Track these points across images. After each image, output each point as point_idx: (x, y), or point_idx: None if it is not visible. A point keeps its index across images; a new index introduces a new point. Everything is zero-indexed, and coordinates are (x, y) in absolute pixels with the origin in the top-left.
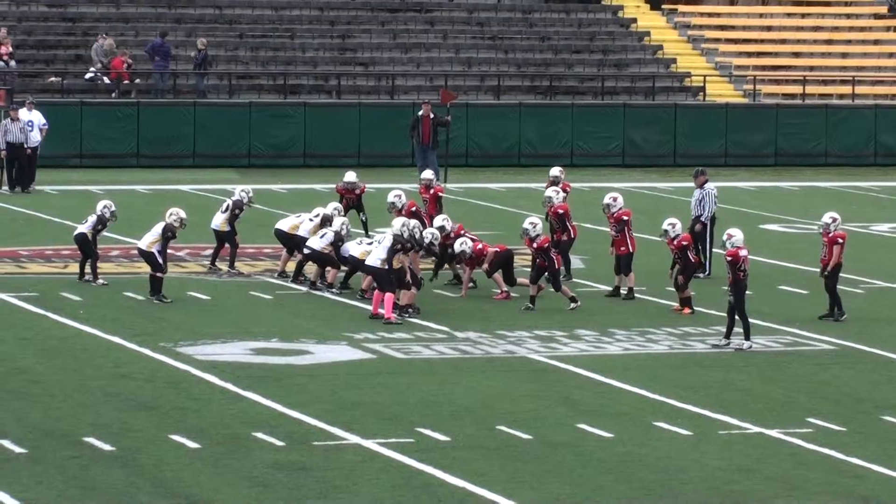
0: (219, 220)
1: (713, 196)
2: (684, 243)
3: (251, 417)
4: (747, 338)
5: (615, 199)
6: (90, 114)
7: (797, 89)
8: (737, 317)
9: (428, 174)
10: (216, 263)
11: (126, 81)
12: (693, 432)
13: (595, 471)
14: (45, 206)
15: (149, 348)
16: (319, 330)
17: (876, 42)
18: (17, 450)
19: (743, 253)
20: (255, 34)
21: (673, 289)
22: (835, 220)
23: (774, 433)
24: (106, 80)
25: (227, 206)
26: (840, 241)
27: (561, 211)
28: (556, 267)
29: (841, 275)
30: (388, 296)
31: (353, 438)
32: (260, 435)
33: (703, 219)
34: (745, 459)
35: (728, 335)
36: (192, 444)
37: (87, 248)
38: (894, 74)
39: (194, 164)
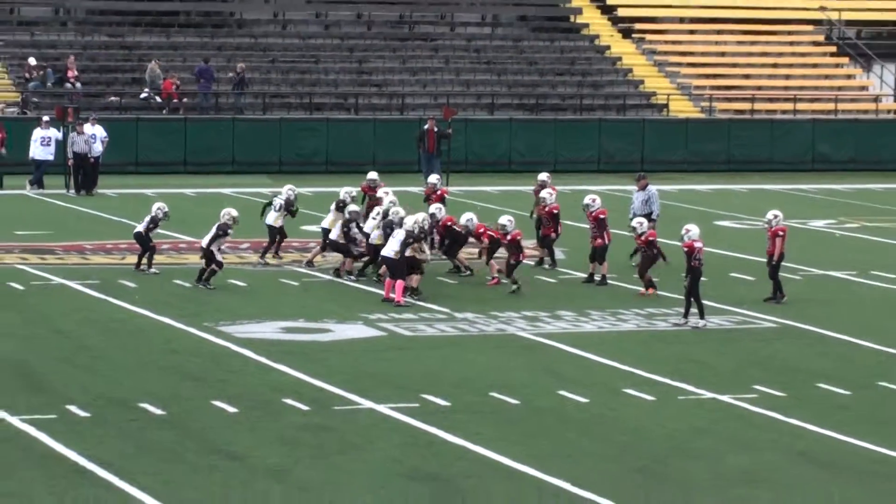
0: (271, 218)
1: (656, 196)
2: (651, 238)
3: (281, 386)
4: (702, 317)
5: (594, 200)
6: (144, 128)
7: (747, 106)
8: (692, 299)
9: (433, 178)
10: (265, 257)
11: (175, 100)
12: (656, 398)
13: (574, 431)
14: (106, 207)
15: (194, 327)
16: (339, 311)
17: (815, 66)
18: (83, 414)
19: (698, 245)
20: (286, 60)
21: (637, 276)
22: (776, 216)
23: (726, 398)
24: (158, 99)
25: (280, 205)
26: (781, 233)
27: (556, 210)
28: (521, 259)
29: (783, 263)
30: (399, 282)
31: (368, 403)
32: (289, 401)
33: (653, 216)
34: (700, 421)
35: (686, 315)
36: (231, 409)
37: (144, 243)
38: (830, 93)
39: (233, 170)
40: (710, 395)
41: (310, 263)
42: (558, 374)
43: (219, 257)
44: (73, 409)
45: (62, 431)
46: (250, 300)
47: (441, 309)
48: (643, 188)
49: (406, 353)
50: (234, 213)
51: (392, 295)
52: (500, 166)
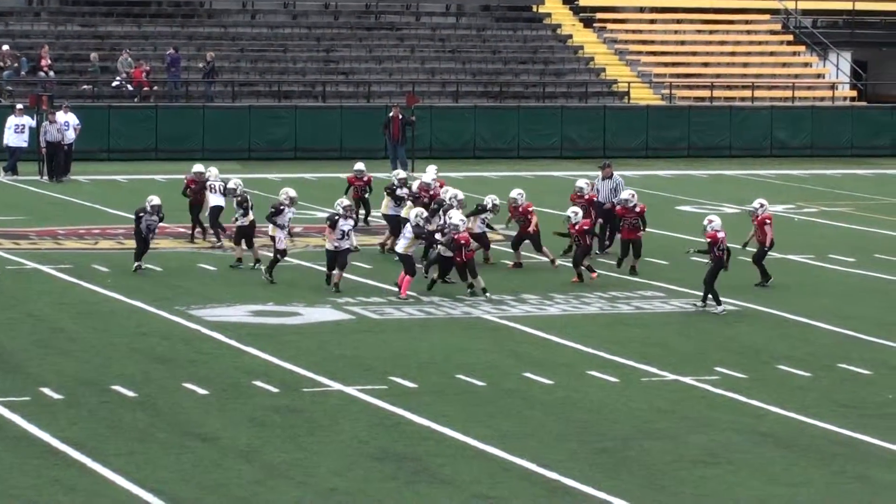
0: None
1: (623, 184)
2: (585, 228)
3: (251, 368)
4: (718, 304)
5: (590, 186)
6: (116, 116)
7: (706, 93)
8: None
9: (428, 176)
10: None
11: (146, 88)
12: (620, 380)
13: (538, 412)
14: (78, 193)
15: (165, 311)
16: (308, 295)
17: (772, 54)
18: (56, 396)
19: (721, 235)
20: (254, 49)
21: (572, 265)
22: (762, 205)
23: (688, 380)
24: (129, 87)
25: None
26: (768, 221)
27: (531, 208)
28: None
29: (735, 246)
30: (408, 278)
31: (337, 385)
32: (258, 383)
33: (618, 204)
34: (663, 402)
35: (704, 301)
36: (201, 391)
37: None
38: (787, 81)
39: (203, 157)
40: (672, 376)
41: (385, 247)
42: (523, 356)
43: (280, 244)
44: (46, 391)
45: (35, 413)
46: (221, 284)
47: (408, 292)
48: (609, 176)
49: (374, 335)
50: (292, 192)
51: (408, 292)
52: (464, 153)
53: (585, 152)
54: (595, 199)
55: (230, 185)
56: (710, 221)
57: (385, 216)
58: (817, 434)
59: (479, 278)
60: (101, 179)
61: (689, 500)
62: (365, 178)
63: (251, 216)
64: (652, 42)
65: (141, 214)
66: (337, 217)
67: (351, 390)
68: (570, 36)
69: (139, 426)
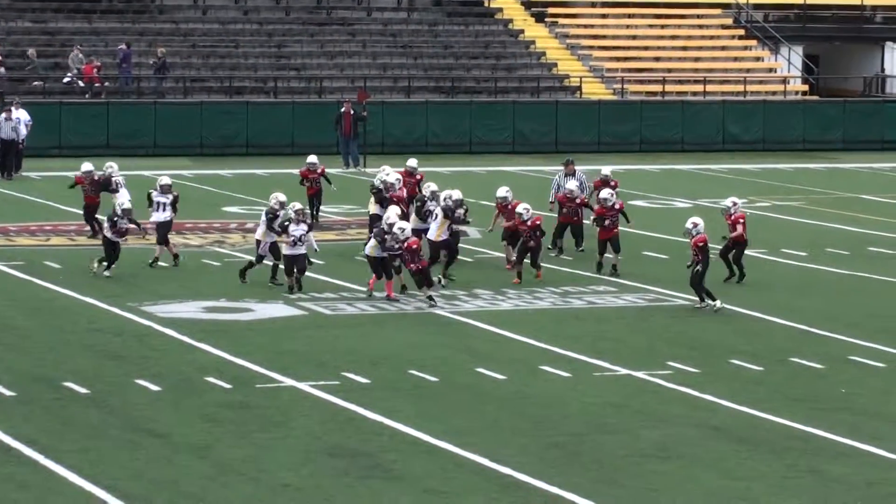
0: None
1: (586, 180)
2: (538, 222)
3: (203, 364)
4: (713, 300)
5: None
6: (67, 112)
7: (658, 88)
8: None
9: (412, 162)
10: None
11: (97, 84)
12: (572, 374)
13: (491, 407)
14: (30, 190)
15: (118, 307)
16: (260, 292)
17: (723, 48)
18: (8, 393)
19: (705, 236)
20: (206, 44)
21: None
22: (735, 203)
23: (640, 374)
24: (80, 83)
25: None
26: (742, 221)
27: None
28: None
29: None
30: (389, 283)
31: (289, 381)
32: (211, 379)
33: (586, 200)
34: (615, 397)
35: (702, 300)
36: (154, 387)
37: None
38: (739, 75)
39: (155, 153)
40: (624, 371)
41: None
42: (475, 351)
43: (264, 250)
44: None
45: None
46: (173, 280)
47: (361, 288)
48: (572, 174)
49: (326, 331)
50: (282, 196)
51: (394, 293)
52: (416, 148)
53: (537, 147)
54: (586, 201)
55: (164, 181)
56: (695, 225)
57: (372, 216)
58: (770, 428)
59: (433, 287)
60: (53, 176)
61: (642, 495)
62: (319, 171)
63: (170, 213)
64: (604, 37)
65: (115, 219)
66: (287, 223)
67: (303, 386)
68: (522, 31)
69: (92, 423)
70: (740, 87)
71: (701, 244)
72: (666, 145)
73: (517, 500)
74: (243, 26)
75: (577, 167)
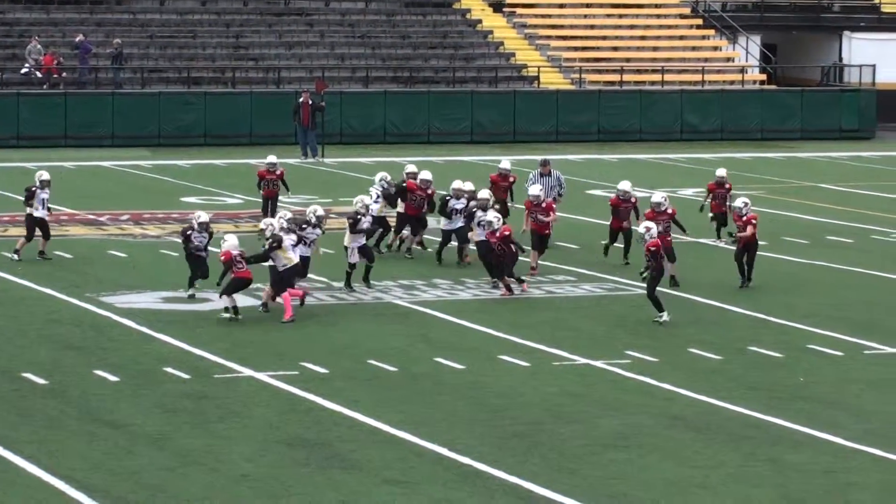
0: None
1: (563, 180)
2: (507, 233)
3: (162, 355)
4: (660, 311)
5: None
6: (25, 103)
7: (616, 77)
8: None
9: (426, 175)
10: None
11: (55, 75)
12: (531, 364)
13: (450, 396)
14: None
15: (76, 298)
16: (218, 282)
17: (681, 38)
18: None
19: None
20: (164, 35)
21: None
22: (746, 203)
23: (599, 364)
24: (38, 74)
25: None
26: (753, 221)
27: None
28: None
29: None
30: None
31: (247, 371)
32: (169, 369)
33: (561, 193)
34: (574, 386)
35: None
36: (112, 378)
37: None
38: (696, 65)
39: (113, 143)
40: (583, 360)
41: (409, 250)
42: (434, 341)
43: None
44: None
45: None
46: (131, 271)
47: (318, 278)
48: (548, 173)
49: (282, 322)
50: (367, 199)
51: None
52: (375, 138)
53: (496, 137)
54: (553, 205)
55: (44, 176)
56: (648, 230)
57: (399, 215)
58: (728, 417)
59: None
60: (10, 167)
61: (600, 484)
62: (278, 172)
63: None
64: (561, 26)
65: (189, 232)
66: (306, 226)
67: (262, 376)
68: (480, 21)
69: (50, 413)
70: (698, 77)
71: (654, 248)
72: (624, 135)
73: (476, 489)
74: (201, 17)
75: (530, 157)
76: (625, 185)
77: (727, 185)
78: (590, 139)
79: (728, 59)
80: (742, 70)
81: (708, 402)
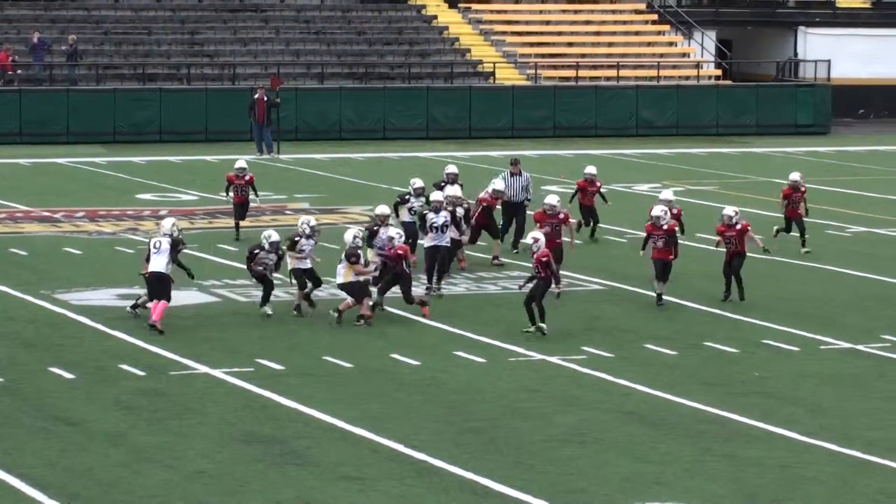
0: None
1: (531, 181)
2: (401, 252)
3: (117, 352)
4: (534, 323)
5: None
6: None
7: (571, 73)
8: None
9: (499, 185)
10: None
11: (10, 72)
12: (487, 360)
13: (406, 393)
14: None
15: (31, 295)
16: (174, 278)
17: (637, 33)
18: None
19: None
20: (118, 31)
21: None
22: (737, 213)
23: (555, 359)
24: None
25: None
26: (748, 229)
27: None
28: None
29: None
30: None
31: (203, 368)
32: (125, 366)
33: (529, 198)
34: (530, 382)
35: (535, 321)
36: (68, 375)
37: None
38: (652, 60)
39: (68, 140)
40: (539, 356)
41: None
42: (390, 337)
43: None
44: None
45: None
46: (86, 268)
47: (276, 275)
48: (518, 173)
49: (240, 318)
50: (384, 209)
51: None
52: (330, 134)
53: (451, 133)
54: (495, 203)
55: None
56: (536, 241)
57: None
58: (684, 412)
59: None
60: None
61: (557, 480)
62: (247, 178)
63: None
64: (517, 22)
65: (256, 251)
66: (297, 238)
67: (217, 373)
68: (435, 17)
69: (5, 411)
70: (654, 72)
71: (544, 259)
72: (579, 130)
73: (432, 486)
74: (156, 13)
75: (486, 153)
76: (591, 169)
77: (802, 189)
78: (545, 135)
79: (683, 55)
80: (697, 65)
81: (664, 397)
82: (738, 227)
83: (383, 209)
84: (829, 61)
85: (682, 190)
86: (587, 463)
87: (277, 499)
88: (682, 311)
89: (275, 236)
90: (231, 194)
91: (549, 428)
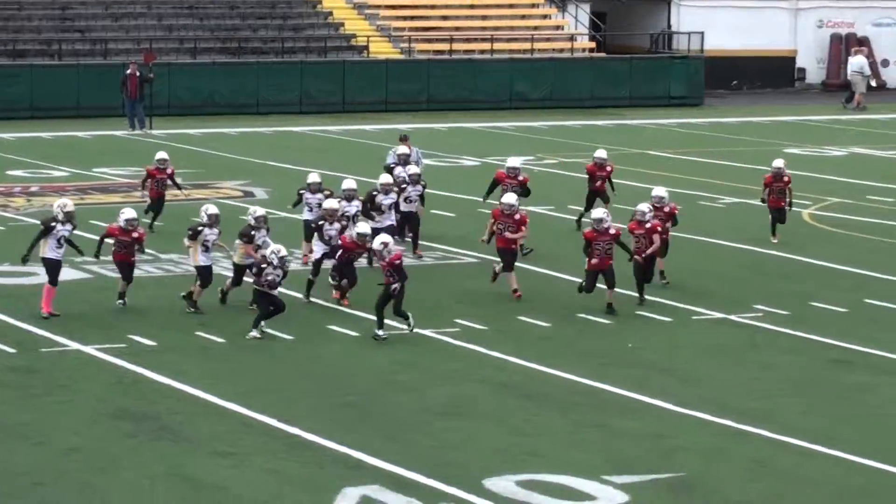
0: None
1: (421, 155)
2: (397, 262)
3: None
4: (380, 328)
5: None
6: None
7: (445, 46)
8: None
9: (515, 162)
10: None
11: None
12: (361, 334)
13: (280, 368)
14: None
15: None
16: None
17: (511, 6)
18: None
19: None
20: None
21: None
22: (651, 210)
23: (428, 332)
24: None
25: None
26: (658, 229)
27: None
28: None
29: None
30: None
31: (75, 345)
32: None
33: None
34: (405, 356)
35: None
36: None
37: None
38: (526, 33)
39: None
40: (413, 329)
41: None
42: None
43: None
44: None
45: None
46: None
47: (148, 251)
48: (409, 148)
49: (112, 294)
50: (333, 204)
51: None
52: (203, 109)
53: (325, 107)
54: (658, 227)
55: None
56: (385, 245)
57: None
58: (557, 384)
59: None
60: None
61: (430, 452)
62: (169, 171)
63: None
64: None
65: (263, 266)
66: (253, 233)
67: (89, 349)
68: None
69: None
70: (528, 45)
71: (397, 262)
72: (454, 104)
73: (306, 460)
74: None
75: (360, 126)
76: (601, 153)
77: (786, 178)
78: (419, 108)
79: (557, 28)
80: (571, 38)
81: (538, 369)
82: (649, 225)
83: (332, 203)
84: (702, 33)
85: (555, 162)
86: (461, 435)
87: (150, 474)
88: (556, 283)
89: (284, 250)
90: (146, 191)
91: (423, 401)
